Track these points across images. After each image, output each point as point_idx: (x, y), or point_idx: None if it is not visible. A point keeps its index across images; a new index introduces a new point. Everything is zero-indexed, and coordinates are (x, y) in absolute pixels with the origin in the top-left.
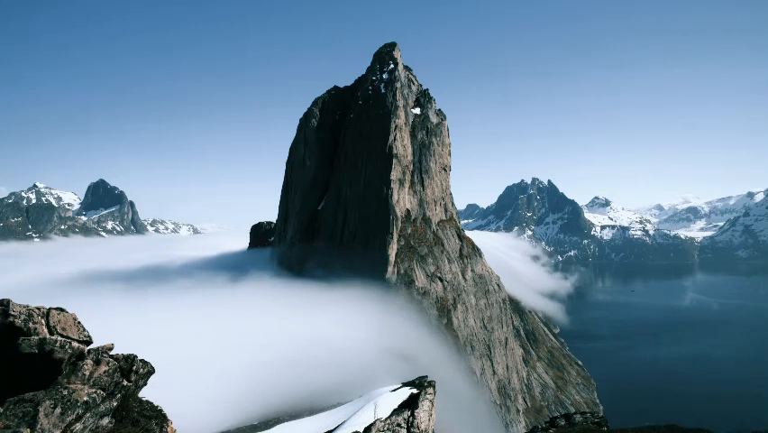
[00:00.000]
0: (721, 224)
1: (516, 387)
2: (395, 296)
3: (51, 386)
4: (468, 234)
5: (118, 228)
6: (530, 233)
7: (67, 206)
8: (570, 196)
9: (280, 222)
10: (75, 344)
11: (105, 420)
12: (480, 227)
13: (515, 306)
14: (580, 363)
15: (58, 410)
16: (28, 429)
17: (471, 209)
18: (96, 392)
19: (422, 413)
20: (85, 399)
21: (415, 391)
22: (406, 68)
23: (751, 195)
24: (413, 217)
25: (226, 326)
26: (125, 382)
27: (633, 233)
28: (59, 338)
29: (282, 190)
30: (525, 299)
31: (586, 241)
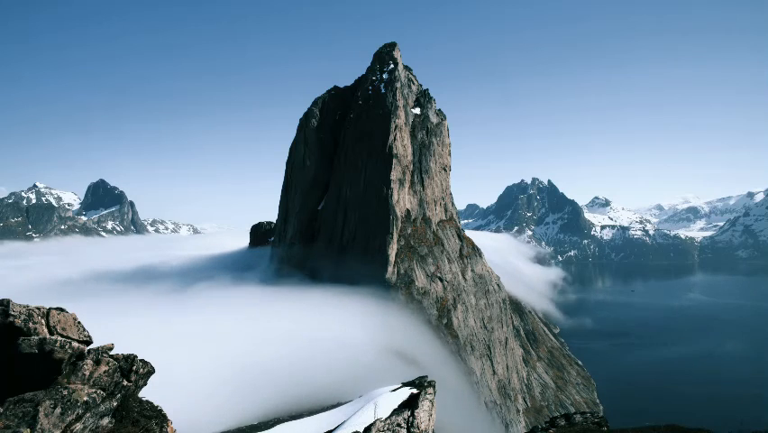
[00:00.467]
0: (721, 224)
1: (516, 387)
2: (395, 296)
3: (51, 386)
4: (468, 234)
5: (118, 228)
6: (530, 233)
7: (67, 206)
8: (570, 196)
9: (280, 222)
10: (75, 344)
11: (105, 420)
12: (479, 227)
13: (515, 306)
14: (580, 363)
15: (58, 410)
16: (28, 429)
17: (471, 209)
18: (96, 392)
19: (422, 413)
20: (85, 399)
21: (415, 391)
22: (406, 68)
23: (751, 195)
24: (413, 217)
25: (226, 326)
26: (125, 382)
27: (633, 233)
28: (59, 338)
29: (282, 190)
30: (525, 299)
31: (586, 241)
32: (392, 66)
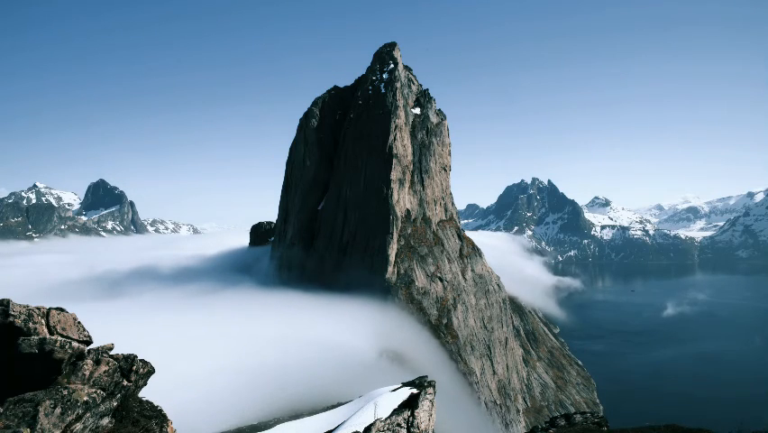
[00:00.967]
0: (721, 224)
1: (516, 387)
2: (395, 296)
3: (51, 386)
4: (468, 234)
5: (118, 228)
6: (530, 233)
7: (67, 206)
8: (570, 196)
9: (280, 222)
10: (75, 344)
11: (105, 420)
12: (480, 227)
13: (515, 306)
14: (580, 363)
15: (58, 410)
16: (28, 429)
17: (471, 209)
18: (96, 392)
19: (422, 413)
20: (85, 399)
21: (415, 391)
22: (407, 68)
23: (751, 195)
24: (413, 217)
25: (226, 326)
26: (125, 382)
27: (633, 233)
28: (59, 338)
29: (282, 190)
30: (525, 299)
31: (586, 241)
32: (392, 66)
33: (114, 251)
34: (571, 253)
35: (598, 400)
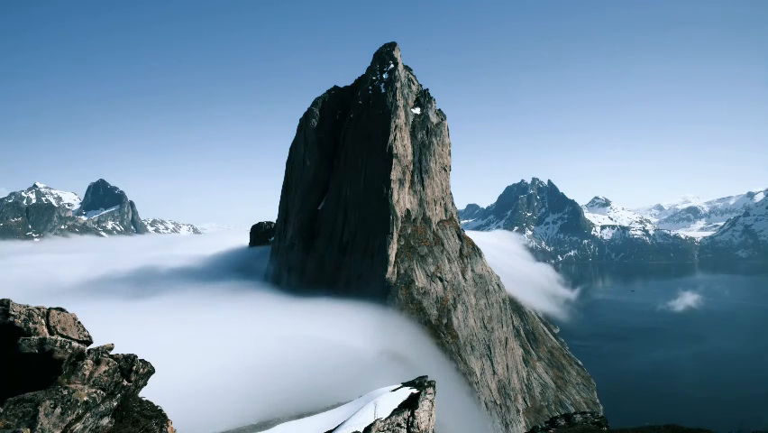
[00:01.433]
0: (721, 224)
1: (516, 387)
2: (395, 296)
3: (51, 386)
4: (468, 234)
5: (118, 228)
6: (530, 233)
7: (67, 206)
8: (570, 196)
9: (280, 222)
10: (75, 344)
11: (105, 420)
12: (479, 227)
13: (515, 306)
14: (580, 363)
15: (58, 410)
16: (28, 429)
17: (471, 209)
18: (96, 392)
19: (422, 413)
20: (85, 399)
21: (415, 390)
22: (407, 68)
23: (751, 195)
24: (413, 217)
25: (226, 326)
26: (125, 382)
27: (633, 233)
28: (59, 338)
29: (282, 190)
30: (525, 299)
31: (586, 241)
32: (392, 66)
33: (115, 251)
34: (571, 253)
35: (598, 400)
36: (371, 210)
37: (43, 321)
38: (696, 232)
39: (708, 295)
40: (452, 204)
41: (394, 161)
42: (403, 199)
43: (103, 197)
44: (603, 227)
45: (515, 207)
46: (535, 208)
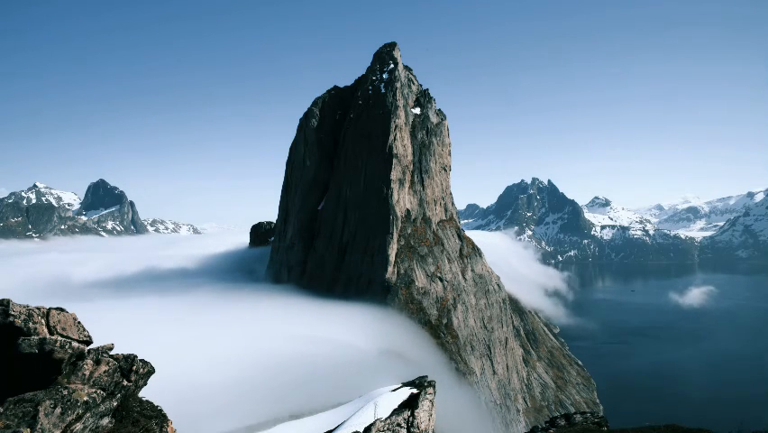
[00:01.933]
0: (721, 224)
1: (516, 387)
2: (395, 296)
3: (51, 386)
4: (468, 233)
5: (118, 228)
6: (530, 233)
7: (67, 206)
8: (570, 196)
9: (280, 222)
10: (75, 344)
11: (105, 420)
12: (480, 227)
13: (515, 306)
14: (580, 363)
15: (58, 410)
16: (28, 429)
17: (471, 209)
18: (96, 392)
19: (422, 413)
20: (85, 399)
21: (415, 391)
22: (407, 68)
23: (751, 195)
24: (413, 217)
25: (226, 326)
26: (125, 382)
27: (633, 233)
28: (59, 338)
29: (282, 190)
30: (525, 299)
31: (586, 241)
32: (392, 66)
33: (126, 249)
34: (572, 253)
35: (598, 400)
36: (371, 210)
37: (43, 321)
38: (696, 232)
39: (708, 295)
40: (452, 204)
41: (394, 161)
42: (403, 199)
43: (103, 197)
44: (603, 227)
45: (515, 207)
46: (535, 208)
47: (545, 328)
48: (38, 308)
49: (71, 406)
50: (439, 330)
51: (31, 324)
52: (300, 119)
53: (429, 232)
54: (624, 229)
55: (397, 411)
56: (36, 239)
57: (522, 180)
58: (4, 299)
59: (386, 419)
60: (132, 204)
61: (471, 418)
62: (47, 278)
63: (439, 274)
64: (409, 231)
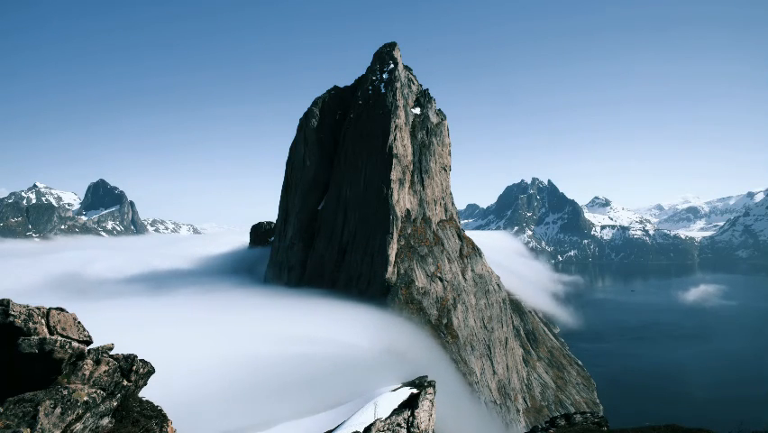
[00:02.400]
0: (721, 224)
1: (516, 387)
2: (395, 296)
3: (51, 386)
4: (468, 233)
5: (118, 228)
6: (530, 233)
7: (67, 206)
8: (570, 196)
9: (280, 222)
10: (75, 344)
11: (106, 420)
12: (480, 227)
13: (515, 306)
14: (580, 363)
15: (58, 410)
16: (28, 429)
17: (471, 209)
18: (96, 392)
19: (422, 413)
20: (85, 399)
21: (415, 390)
22: (407, 67)
23: (751, 195)
24: (413, 217)
25: (226, 326)
26: (125, 382)
27: (633, 233)
28: (59, 338)
29: (282, 190)
30: (525, 299)
31: (586, 241)
32: (392, 66)
33: (115, 250)
34: (571, 253)
35: (598, 400)
36: (371, 210)
37: (43, 321)
38: (696, 232)
39: (708, 295)
40: (452, 204)
41: (394, 161)
42: (403, 199)
43: (103, 197)
44: (603, 227)
45: (515, 207)
46: (535, 208)
47: (545, 328)
48: (38, 308)
49: (71, 406)
50: (439, 330)
51: (31, 324)
52: (300, 119)
53: (429, 232)
54: (624, 229)
55: (397, 411)
56: (36, 239)
57: (522, 180)
58: (4, 299)
59: (386, 418)
60: (132, 204)
61: (471, 418)
62: (70, 274)
63: (439, 274)
64: (409, 231)
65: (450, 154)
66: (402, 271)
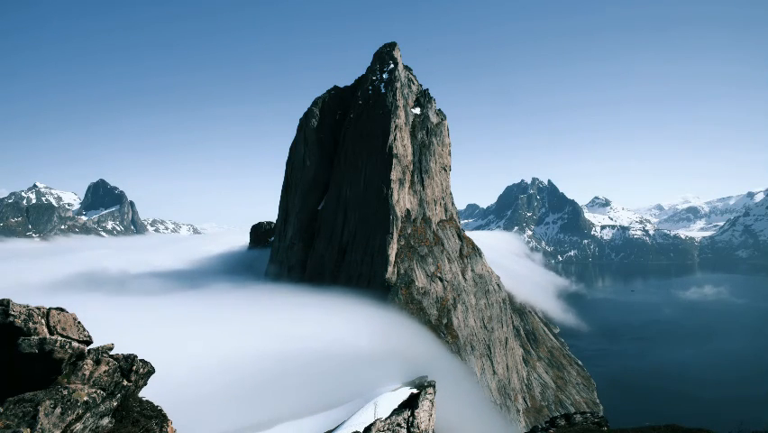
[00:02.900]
0: (721, 224)
1: (516, 387)
2: (395, 296)
3: (51, 386)
4: (468, 234)
5: (118, 228)
6: (530, 233)
7: (67, 206)
8: (570, 196)
9: (280, 222)
10: (75, 344)
11: (106, 420)
12: (480, 227)
13: (515, 306)
14: (580, 363)
15: (58, 410)
16: (28, 429)
17: (471, 209)
18: (96, 392)
19: (422, 413)
20: (85, 399)
21: (415, 390)
22: (407, 68)
23: (751, 195)
24: (413, 217)
25: (226, 326)
26: (125, 382)
27: (633, 233)
28: (59, 338)
29: (282, 190)
30: (525, 299)
31: (586, 241)
32: (392, 66)
33: (116, 249)
34: (571, 253)
35: (598, 400)
36: (371, 210)
37: (43, 321)
38: (696, 232)
39: (707, 295)
40: (452, 204)
41: (394, 161)
42: (403, 199)
43: (103, 197)
44: (603, 227)
45: (515, 207)
46: (535, 208)
47: (545, 328)
48: (38, 308)
49: (71, 406)
50: (439, 330)
51: (31, 324)
52: (300, 119)
53: (429, 232)
54: (624, 229)
55: (397, 411)
56: (36, 239)
57: (522, 180)
58: (4, 299)
59: (386, 419)
60: (132, 204)
61: (471, 418)
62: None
63: (439, 274)
64: (409, 231)
65: (450, 154)
66: (402, 271)
